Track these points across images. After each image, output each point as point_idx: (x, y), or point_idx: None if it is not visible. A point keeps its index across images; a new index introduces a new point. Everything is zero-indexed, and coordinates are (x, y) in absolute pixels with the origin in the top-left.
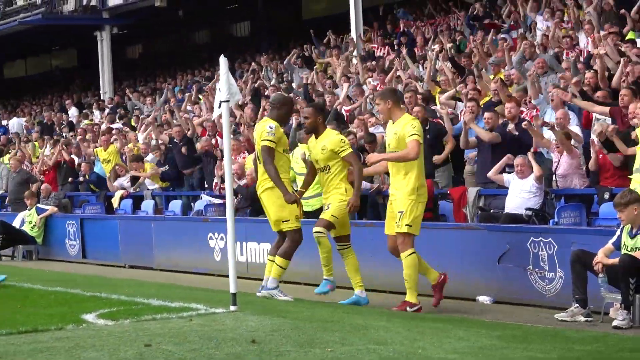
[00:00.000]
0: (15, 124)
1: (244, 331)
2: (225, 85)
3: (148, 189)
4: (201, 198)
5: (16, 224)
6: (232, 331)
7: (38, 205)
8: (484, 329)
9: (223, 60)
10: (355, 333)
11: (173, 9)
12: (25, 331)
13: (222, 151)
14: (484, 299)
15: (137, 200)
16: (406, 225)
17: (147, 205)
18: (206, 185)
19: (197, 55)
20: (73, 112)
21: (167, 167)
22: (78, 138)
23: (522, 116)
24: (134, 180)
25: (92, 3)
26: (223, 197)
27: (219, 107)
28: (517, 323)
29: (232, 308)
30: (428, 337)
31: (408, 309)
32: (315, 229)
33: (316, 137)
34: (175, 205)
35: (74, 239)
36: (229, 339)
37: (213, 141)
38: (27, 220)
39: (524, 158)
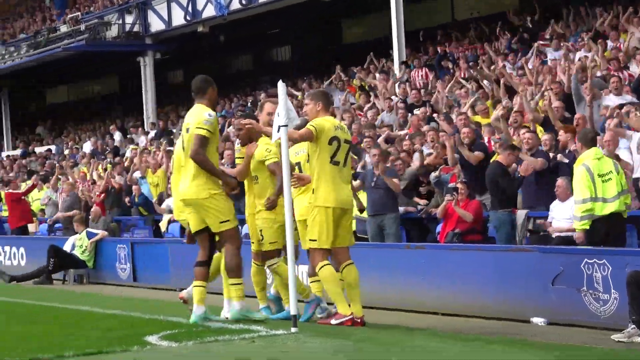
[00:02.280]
0: (58, 149)
1: (307, 353)
2: (284, 110)
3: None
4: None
5: (67, 248)
6: (295, 352)
7: (88, 229)
8: (542, 350)
9: (281, 86)
10: (418, 355)
11: (215, 34)
12: (91, 353)
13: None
14: (538, 320)
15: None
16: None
17: (174, 228)
18: None
19: (238, 81)
20: (117, 137)
21: None
22: (125, 163)
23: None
24: None
25: (135, 29)
26: None
27: (278, 131)
28: (575, 344)
29: (293, 330)
30: (489, 358)
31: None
32: (267, 264)
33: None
34: None
35: (125, 263)
36: None
37: None
38: (77, 245)
39: (563, 180)
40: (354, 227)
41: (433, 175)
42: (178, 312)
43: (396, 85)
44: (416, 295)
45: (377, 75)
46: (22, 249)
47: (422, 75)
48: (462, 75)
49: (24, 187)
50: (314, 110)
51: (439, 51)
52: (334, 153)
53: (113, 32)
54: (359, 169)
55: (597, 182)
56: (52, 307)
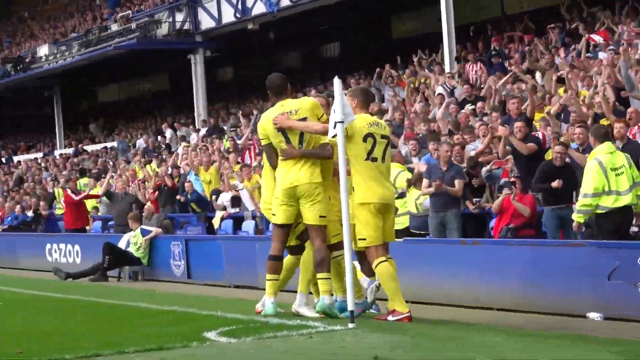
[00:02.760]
0: (122, 144)
1: (365, 348)
2: (340, 106)
3: (248, 210)
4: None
5: (121, 245)
6: (353, 348)
7: (142, 226)
8: (601, 345)
9: (337, 82)
10: (475, 350)
11: (264, 31)
12: (151, 349)
13: None
14: (594, 315)
15: (238, 221)
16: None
17: (248, 226)
18: None
19: (288, 78)
20: (169, 134)
21: None
22: (177, 160)
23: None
24: (235, 201)
25: (185, 27)
26: None
27: (334, 127)
28: (633, 339)
29: (351, 325)
30: (546, 353)
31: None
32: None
33: None
34: None
35: (179, 260)
36: (352, 355)
37: None
38: (132, 242)
39: None
40: (407, 223)
41: (484, 169)
42: (234, 309)
43: (446, 80)
44: (472, 290)
45: (426, 70)
46: (77, 247)
47: (475, 70)
48: (514, 70)
49: (79, 186)
50: (350, 107)
51: (490, 46)
52: (370, 150)
53: (163, 30)
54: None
55: (610, 175)
56: (109, 303)
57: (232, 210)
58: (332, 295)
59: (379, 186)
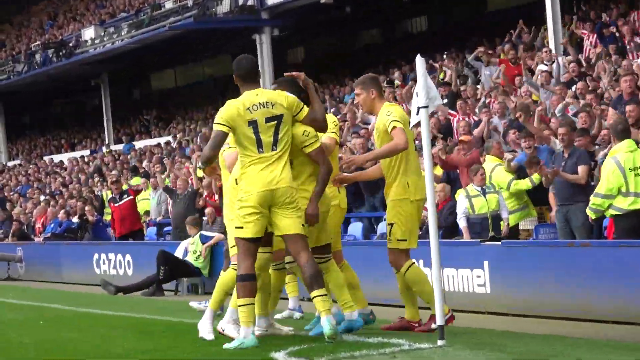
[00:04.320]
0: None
1: None
2: (423, 89)
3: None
4: (384, 219)
5: (178, 253)
6: None
7: (202, 232)
8: None
9: (420, 61)
10: None
11: (339, 5)
12: None
13: None
14: None
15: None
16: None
17: (355, 228)
18: None
19: (367, 57)
20: None
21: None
22: None
23: None
24: None
25: (250, 3)
26: None
27: (417, 113)
28: None
29: (440, 342)
30: None
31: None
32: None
33: None
34: (356, 229)
35: None
36: None
37: None
38: (190, 250)
39: None
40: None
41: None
42: (304, 325)
43: (552, 57)
44: (580, 300)
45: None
46: (128, 257)
47: (591, 42)
48: (629, 43)
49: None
50: (368, 100)
51: (601, 17)
52: (414, 139)
53: (224, 6)
54: None
55: (628, 175)
56: (165, 321)
57: None
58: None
59: (422, 179)
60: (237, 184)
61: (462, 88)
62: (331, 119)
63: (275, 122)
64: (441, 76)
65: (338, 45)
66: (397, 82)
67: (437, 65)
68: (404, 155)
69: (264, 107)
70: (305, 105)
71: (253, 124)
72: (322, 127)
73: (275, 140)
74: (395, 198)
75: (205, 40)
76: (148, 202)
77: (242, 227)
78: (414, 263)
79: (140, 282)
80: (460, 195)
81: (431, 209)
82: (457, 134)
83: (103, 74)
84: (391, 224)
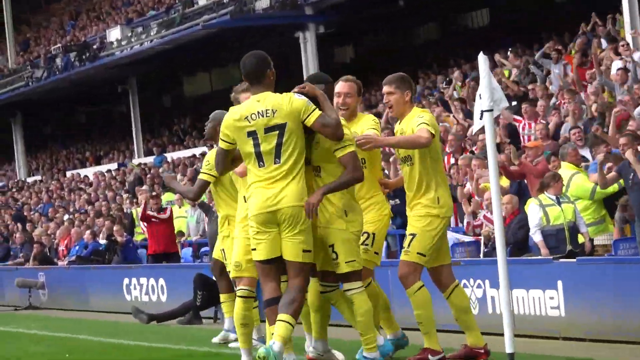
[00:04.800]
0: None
1: None
2: (487, 90)
3: None
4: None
5: None
6: None
7: None
8: None
9: (482, 59)
10: None
11: None
12: None
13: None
14: None
15: None
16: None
17: None
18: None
19: (423, 55)
20: None
21: (397, 200)
22: None
23: None
24: None
25: None
26: (475, 234)
27: (481, 118)
28: None
29: None
30: None
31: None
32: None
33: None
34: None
35: None
36: None
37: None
38: None
39: None
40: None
41: None
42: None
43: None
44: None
45: (603, 40)
46: (161, 281)
47: None
48: None
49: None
50: (402, 101)
51: None
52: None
53: (264, 2)
54: None
55: None
56: (205, 352)
57: None
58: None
59: (450, 197)
60: (245, 201)
61: (529, 88)
62: (370, 118)
63: (277, 131)
64: (506, 74)
65: (390, 42)
66: (442, 86)
67: (505, 62)
68: (434, 167)
69: (263, 115)
70: (317, 109)
71: (252, 135)
72: (334, 134)
73: (278, 152)
74: (423, 212)
75: (243, 39)
76: (184, 220)
77: (255, 249)
78: (424, 285)
79: (175, 310)
80: (531, 205)
81: (498, 222)
82: (523, 140)
83: (131, 78)
84: (413, 235)
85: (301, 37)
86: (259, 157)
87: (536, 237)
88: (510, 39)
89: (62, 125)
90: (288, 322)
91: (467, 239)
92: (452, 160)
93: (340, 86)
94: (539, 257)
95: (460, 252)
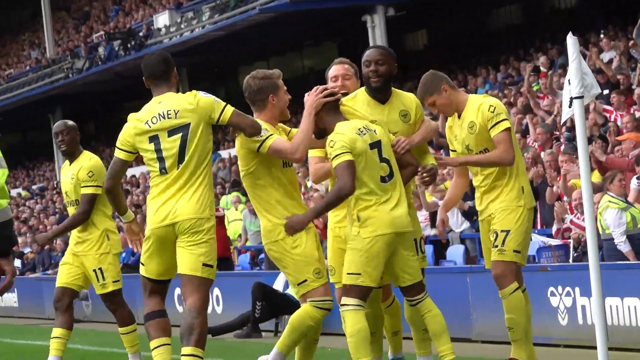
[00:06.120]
0: None
1: None
2: (577, 76)
3: (454, 230)
4: (531, 239)
5: (278, 285)
6: None
7: None
8: None
9: (572, 41)
10: None
11: None
12: None
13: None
14: None
15: (440, 245)
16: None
17: (455, 252)
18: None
19: (504, 40)
20: None
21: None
22: None
23: None
24: (434, 217)
25: None
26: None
27: (570, 106)
28: None
29: None
30: None
31: None
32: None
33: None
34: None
35: None
36: None
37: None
38: None
39: None
40: None
41: None
42: None
43: None
44: None
45: None
46: (216, 291)
47: None
48: None
49: (224, 203)
50: (447, 101)
51: None
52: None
53: None
54: None
55: None
56: None
57: (430, 232)
58: None
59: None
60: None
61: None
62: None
63: (181, 133)
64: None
65: (468, 26)
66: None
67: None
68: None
69: (164, 117)
70: (228, 105)
71: (154, 139)
72: (251, 128)
73: (182, 156)
74: (509, 205)
75: (304, 24)
76: (239, 223)
77: (143, 264)
78: (520, 287)
79: (232, 322)
80: (608, 207)
81: (589, 224)
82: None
83: (181, 68)
84: (507, 231)
85: (369, 21)
86: (161, 162)
87: (624, 247)
88: (603, 19)
89: (106, 122)
90: (195, 356)
91: (555, 242)
92: (543, 155)
93: (335, 69)
94: (636, 261)
95: (547, 256)
